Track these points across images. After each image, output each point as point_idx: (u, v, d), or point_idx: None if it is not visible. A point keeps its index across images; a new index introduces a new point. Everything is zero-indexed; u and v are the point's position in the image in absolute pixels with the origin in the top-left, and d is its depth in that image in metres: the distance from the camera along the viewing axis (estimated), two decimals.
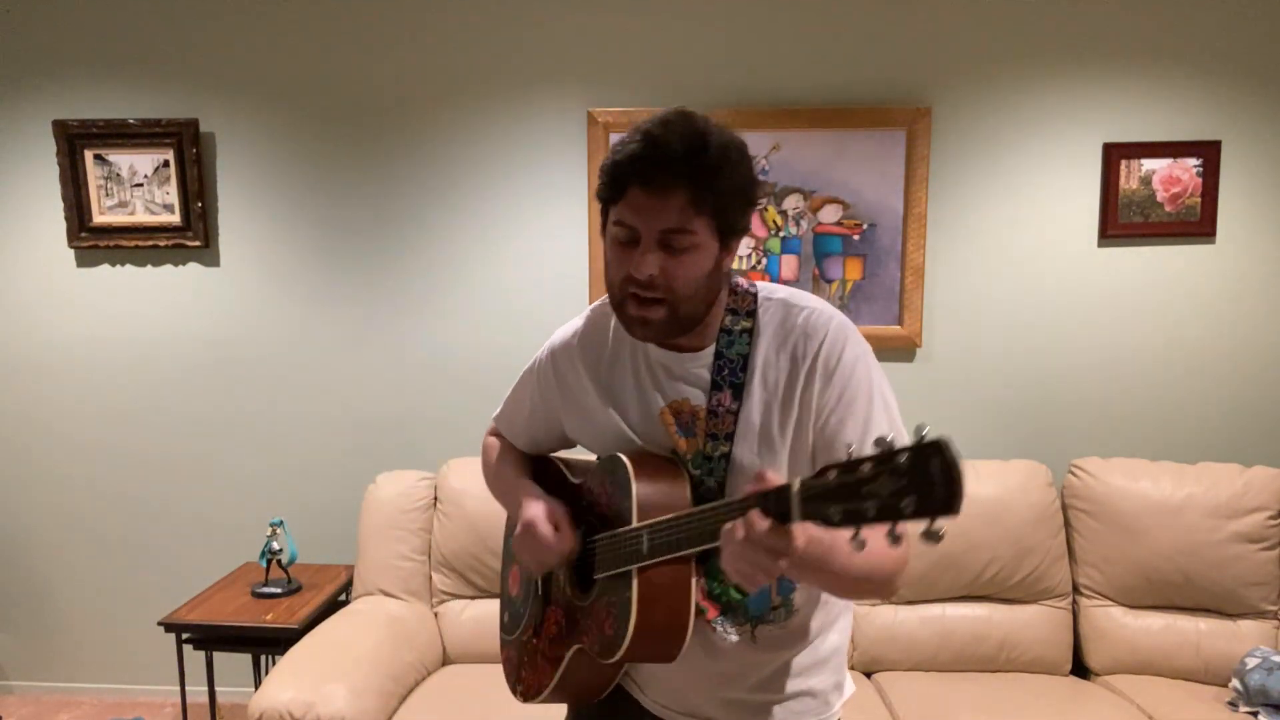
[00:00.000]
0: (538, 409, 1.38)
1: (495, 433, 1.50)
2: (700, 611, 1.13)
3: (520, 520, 1.25)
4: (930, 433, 0.77)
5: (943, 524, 0.75)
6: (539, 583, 1.37)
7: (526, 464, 1.43)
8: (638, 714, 1.30)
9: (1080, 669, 2.64)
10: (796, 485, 0.88)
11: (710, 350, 1.19)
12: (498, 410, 1.48)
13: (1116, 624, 2.60)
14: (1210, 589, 2.55)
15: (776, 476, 0.93)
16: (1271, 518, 2.56)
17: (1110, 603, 2.62)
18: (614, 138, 2.86)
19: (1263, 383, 2.87)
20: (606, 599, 1.16)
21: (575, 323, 1.34)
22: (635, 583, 1.11)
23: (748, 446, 1.16)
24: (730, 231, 1.12)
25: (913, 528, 0.78)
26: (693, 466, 1.17)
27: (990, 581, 2.60)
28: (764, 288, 1.25)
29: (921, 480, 0.76)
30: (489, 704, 2.22)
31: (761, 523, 0.89)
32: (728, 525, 0.93)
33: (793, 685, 1.24)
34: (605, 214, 1.15)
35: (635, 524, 1.12)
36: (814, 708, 1.27)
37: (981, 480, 2.65)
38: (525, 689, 1.37)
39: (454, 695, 2.41)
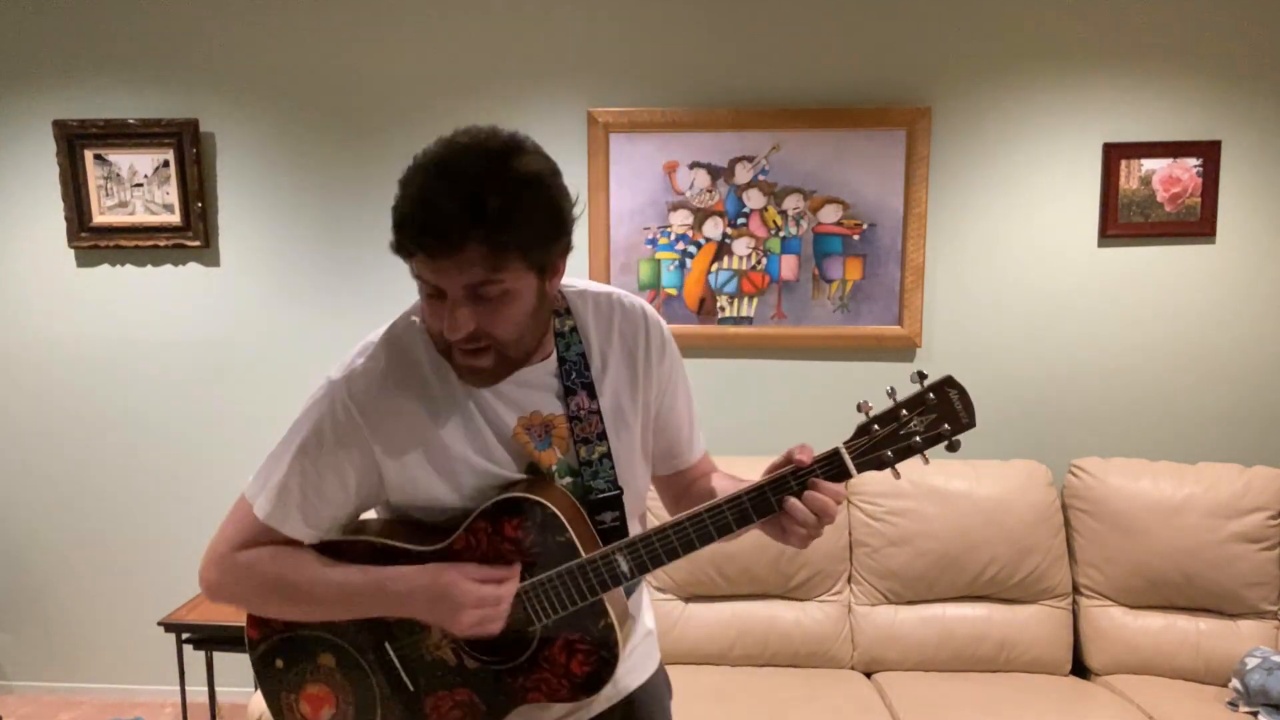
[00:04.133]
0: (342, 484, 1.13)
1: (247, 544, 1.17)
2: None
3: (458, 591, 1.08)
4: (932, 375, 1.06)
5: (962, 437, 1.06)
6: (391, 681, 1.20)
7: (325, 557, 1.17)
8: None
9: (1080, 669, 2.64)
10: (843, 449, 1.08)
11: (553, 358, 1.17)
12: (258, 503, 1.16)
13: (1116, 624, 2.60)
14: (1210, 589, 2.55)
15: (809, 451, 1.08)
16: (1271, 518, 2.56)
17: (1110, 603, 2.62)
18: (614, 138, 2.86)
19: (1263, 383, 2.87)
20: (564, 639, 1.14)
21: (362, 362, 1.14)
22: (610, 608, 1.13)
23: (619, 438, 1.19)
24: (546, 261, 1.05)
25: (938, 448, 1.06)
26: (561, 475, 1.15)
27: (990, 581, 2.61)
28: (562, 285, 1.19)
29: (947, 409, 1.05)
30: None
31: (834, 485, 1.07)
32: (797, 506, 1.06)
33: (641, 629, 1.33)
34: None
35: (590, 553, 1.10)
36: (652, 647, 1.37)
37: (981, 480, 2.66)
38: None
39: None
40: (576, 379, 1.16)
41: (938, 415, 1.06)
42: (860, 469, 1.08)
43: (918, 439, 1.06)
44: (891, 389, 1.08)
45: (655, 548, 1.10)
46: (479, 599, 1.08)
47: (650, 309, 1.25)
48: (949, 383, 1.06)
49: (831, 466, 1.08)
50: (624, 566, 1.10)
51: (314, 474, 1.14)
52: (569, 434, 1.16)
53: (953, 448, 1.07)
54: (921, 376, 1.07)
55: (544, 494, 1.11)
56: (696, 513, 1.09)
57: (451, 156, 1.01)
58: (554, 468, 1.16)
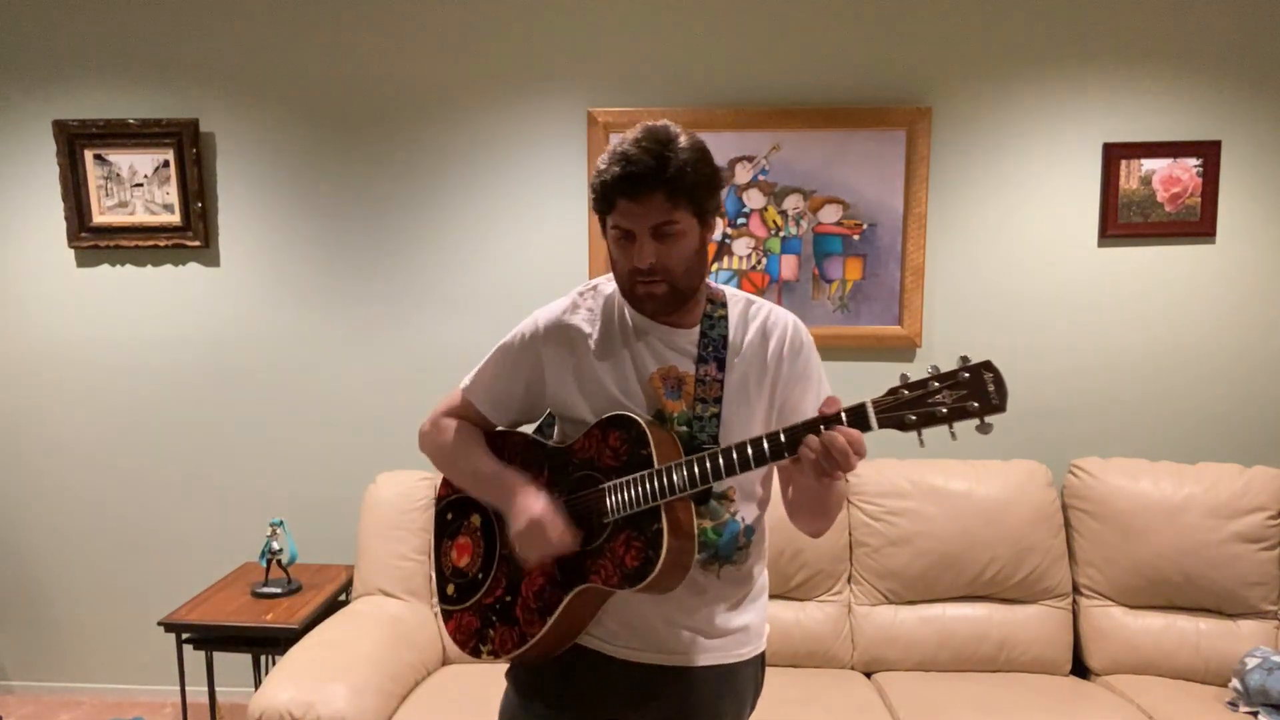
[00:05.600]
0: (518, 379, 1.49)
1: (452, 411, 1.55)
2: None
3: (524, 520, 1.37)
4: (975, 358, 1.13)
5: (992, 420, 1.10)
6: (506, 544, 1.47)
7: (489, 446, 1.53)
8: (599, 663, 1.44)
9: (1080, 669, 2.64)
10: (869, 403, 1.19)
11: (696, 329, 1.42)
12: (466, 383, 1.55)
13: (1116, 624, 2.60)
14: (1210, 589, 2.55)
15: (840, 401, 1.22)
16: (1271, 518, 2.56)
17: (1110, 603, 2.62)
18: (614, 138, 2.86)
19: (1263, 383, 2.87)
20: (626, 535, 1.33)
21: (561, 302, 1.49)
22: (664, 515, 1.29)
23: (733, 407, 1.39)
24: (705, 212, 1.34)
25: (968, 425, 1.13)
26: (678, 424, 1.38)
27: (990, 581, 2.61)
28: (729, 289, 1.49)
29: (979, 388, 1.12)
30: (489, 704, 2.21)
31: (853, 431, 1.17)
32: (813, 439, 1.18)
33: (738, 620, 1.46)
34: (603, 222, 1.37)
35: (659, 465, 1.30)
36: (752, 640, 1.48)
37: (981, 480, 2.66)
38: (496, 646, 1.46)
39: (454, 695, 2.41)
40: (711, 351, 1.40)
41: (968, 392, 1.12)
42: (882, 424, 1.18)
43: (943, 409, 1.13)
44: (934, 366, 1.15)
45: (705, 465, 1.27)
46: (546, 538, 1.34)
47: (797, 321, 1.46)
48: (987, 366, 1.12)
49: (854, 417, 1.19)
50: (678, 479, 1.28)
51: (502, 369, 1.50)
52: (694, 391, 1.38)
53: (983, 429, 1.11)
54: (964, 360, 1.13)
55: (646, 423, 1.34)
56: (741, 443, 1.26)
57: (641, 136, 1.29)
58: (676, 415, 1.39)
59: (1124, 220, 2.82)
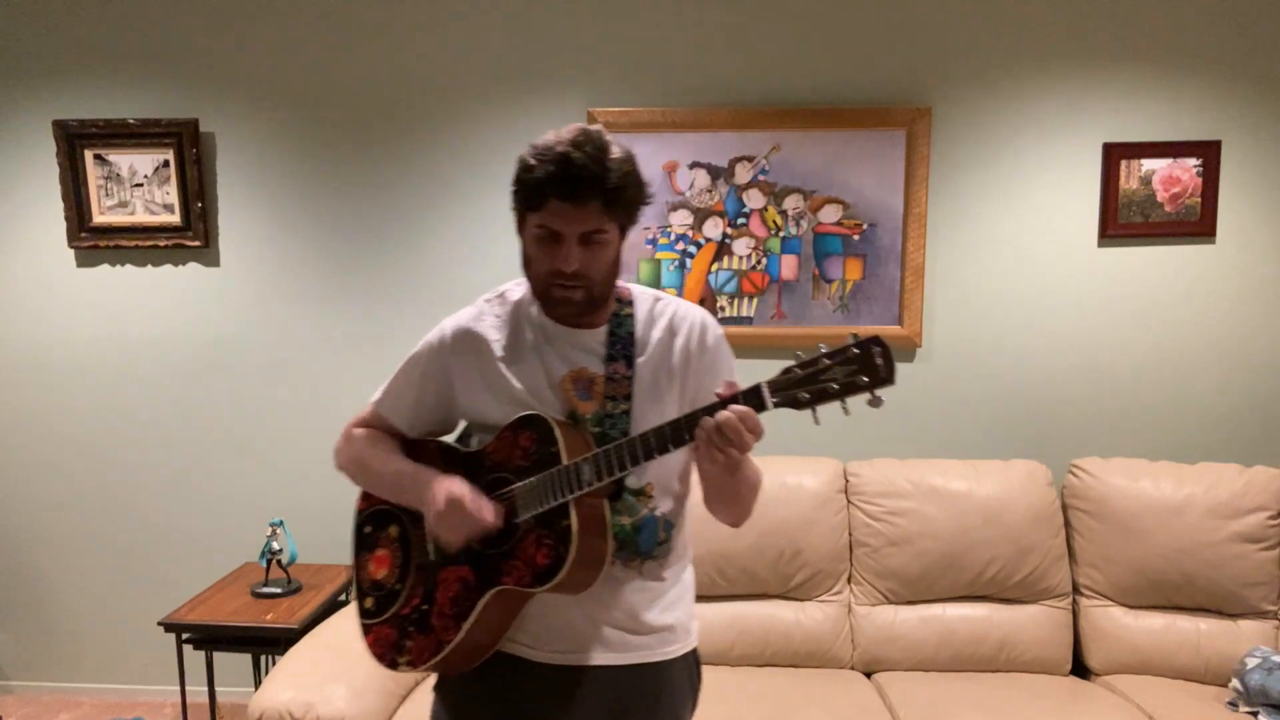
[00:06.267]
0: (428, 389, 1.49)
1: (363, 423, 1.56)
2: None
3: (442, 499, 1.36)
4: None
5: (883, 394, 1.13)
6: (422, 552, 1.48)
7: (403, 452, 1.53)
8: (523, 669, 1.42)
9: (1080, 669, 2.64)
10: (764, 384, 1.20)
11: (604, 329, 1.43)
12: (377, 396, 1.55)
13: (1116, 624, 2.60)
14: (1210, 589, 2.55)
15: (738, 385, 1.22)
16: (1271, 518, 2.56)
17: (1110, 603, 2.62)
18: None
19: (1263, 383, 2.87)
20: (536, 534, 1.33)
21: (468, 310, 1.50)
22: (574, 512, 1.30)
23: (643, 404, 1.40)
24: (629, 225, 1.37)
25: (861, 399, 1.15)
26: (592, 424, 1.38)
27: (990, 581, 2.61)
28: (634, 286, 1.50)
29: (869, 364, 1.13)
30: None
31: (744, 408, 1.19)
32: (710, 420, 1.20)
33: (664, 618, 1.46)
34: (522, 218, 1.36)
35: (567, 461, 1.31)
36: (680, 638, 1.48)
37: (981, 480, 2.66)
38: (414, 656, 1.44)
39: None
40: (619, 350, 1.41)
41: (858, 368, 1.14)
42: (777, 404, 1.19)
43: (835, 385, 1.15)
44: (821, 346, 1.19)
45: (610, 457, 1.28)
46: (468, 515, 1.33)
47: (706, 314, 1.48)
48: (875, 341, 1.14)
49: (749, 397, 1.21)
50: (586, 473, 1.29)
51: (411, 379, 1.50)
52: (604, 391, 1.39)
53: (874, 403, 1.13)
54: (854, 337, 1.16)
55: (556, 421, 1.35)
56: (644, 433, 1.27)
57: (580, 139, 1.28)
58: (588, 416, 1.39)
59: (1124, 220, 2.82)
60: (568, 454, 1.32)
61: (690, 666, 1.51)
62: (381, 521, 1.56)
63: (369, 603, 1.55)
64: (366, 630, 1.55)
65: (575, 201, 1.28)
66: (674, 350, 1.43)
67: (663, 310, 1.46)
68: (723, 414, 1.20)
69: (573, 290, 1.34)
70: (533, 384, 1.41)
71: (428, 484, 1.40)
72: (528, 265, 1.39)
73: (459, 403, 1.47)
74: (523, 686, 1.42)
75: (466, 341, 1.45)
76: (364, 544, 1.59)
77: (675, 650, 1.47)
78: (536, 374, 1.41)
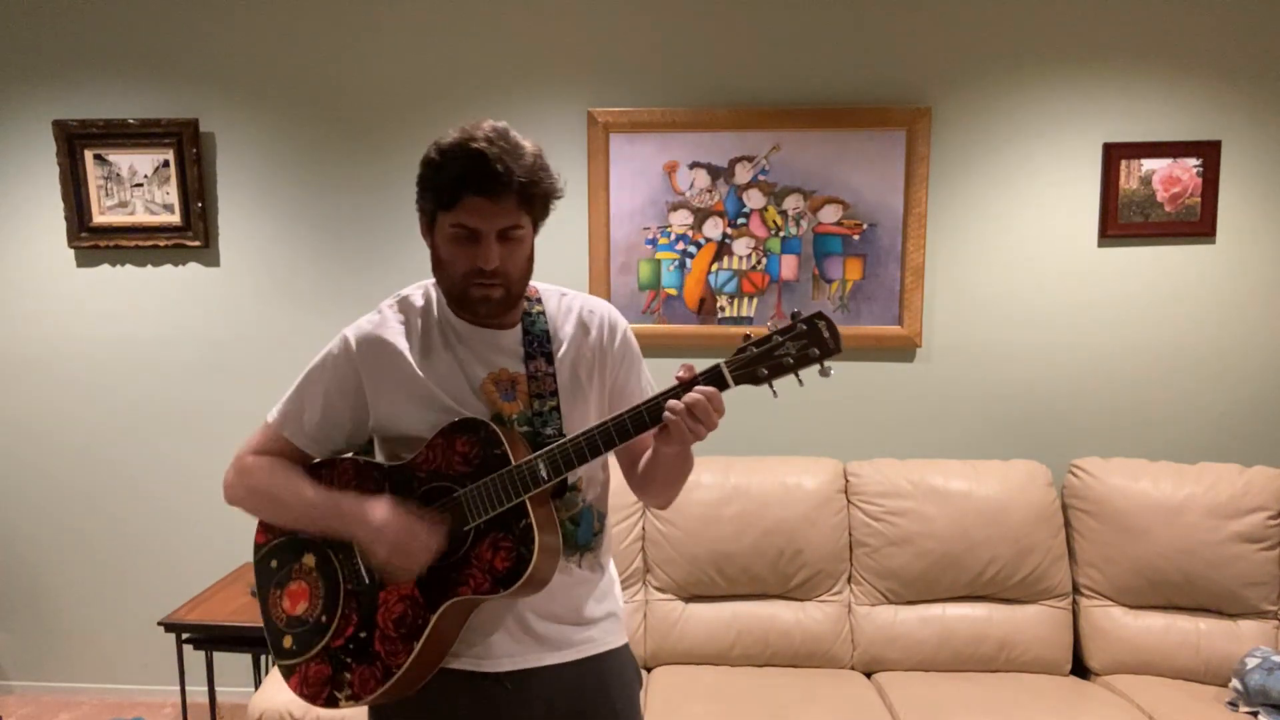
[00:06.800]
0: (334, 403, 1.40)
1: (259, 449, 1.47)
2: None
3: (387, 532, 1.29)
4: (808, 310, 1.23)
5: (831, 364, 1.21)
6: (354, 577, 1.39)
7: (311, 478, 1.42)
8: (466, 682, 1.37)
9: (1080, 669, 2.64)
10: (723, 363, 1.25)
11: (518, 328, 1.41)
12: (274, 415, 1.46)
13: (1116, 624, 2.60)
14: (1210, 589, 2.55)
15: (695, 368, 1.26)
16: (1271, 518, 2.56)
17: (1110, 603, 2.62)
18: (614, 138, 2.87)
19: (1263, 383, 2.87)
20: (492, 538, 1.30)
21: (370, 317, 1.43)
22: (531, 510, 1.28)
23: (570, 399, 1.40)
24: (542, 219, 1.38)
25: (813, 371, 1.22)
26: (519, 424, 1.37)
27: (990, 581, 2.61)
28: (539, 285, 1.49)
29: (817, 337, 1.21)
30: None
31: (710, 389, 1.24)
32: (675, 403, 1.23)
33: (603, 608, 1.46)
34: (432, 218, 1.35)
35: (518, 460, 1.29)
36: (617, 628, 1.49)
37: (981, 480, 2.66)
38: (356, 689, 1.36)
39: None
40: (537, 347, 1.40)
41: (808, 341, 1.21)
42: (737, 381, 1.24)
43: (789, 359, 1.22)
44: (769, 323, 1.26)
45: (568, 451, 1.28)
46: (416, 542, 1.29)
47: (611, 307, 1.49)
48: (819, 316, 1.21)
49: (711, 378, 1.25)
50: (542, 470, 1.28)
51: (316, 393, 1.42)
52: (528, 390, 1.38)
53: (824, 373, 1.21)
54: (797, 314, 1.23)
55: (495, 422, 1.33)
56: (603, 422, 1.27)
57: (490, 134, 1.28)
58: (514, 416, 1.37)
59: (1124, 220, 2.82)
60: (514, 454, 1.30)
61: (630, 655, 1.52)
62: (290, 553, 1.46)
63: (288, 642, 1.45)
64: (289, 672, 1.45)
65: (491, 196, 1.26)
66: (588, 344, 1.43)
67: (571, 305, 1.47)
68: (690, 395, 1.23)
69: (492, 288, 1.32)
70: (454, 389, 1.36)
71: (356, 514, 1.32)
72: (440, 267, 1.37)
73: (372, 415, 1.39)
74: (469, 701, 1.37)
75: (375, 349, 1.38)
76: (271, 580, 1.48)
77: (617, 640, 1.47)
78: (456, 378, 1.37)
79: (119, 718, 3.11)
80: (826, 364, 1.22)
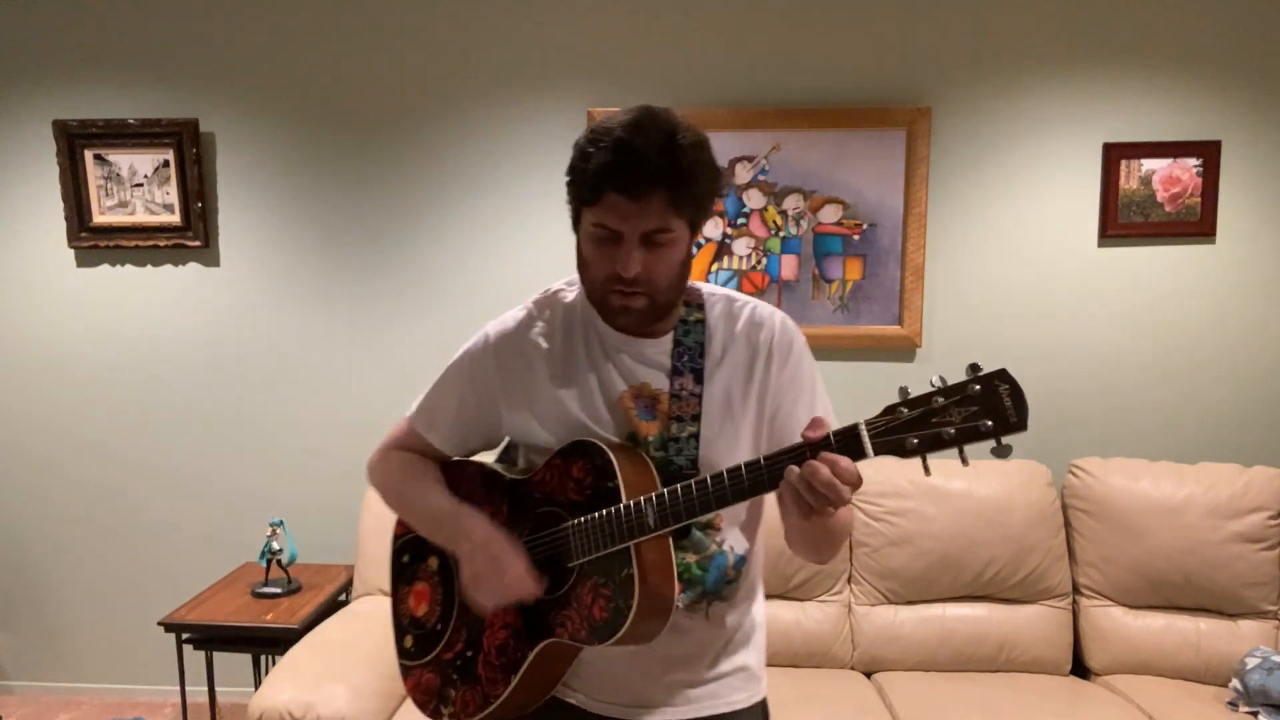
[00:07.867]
0: (469, 403, 1.31)
1: (399, 445, 1.39)
2: None
3: (478, 559, 1.21)
4: (988, 366, 0.95)
5: (1010, 440, 0.93)
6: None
7: (443, 482, 1.36)
8: (575, 718, 1.28)
9: (1080, 669, 2.64)
10: (863, 425, 1.00)
11: (669, 338, 1.24)
12: (412, 410, 1.37)
13: (1116, 624, 2.60)
14: (1210, 589, 2.55)
15: (830, 423, 1.03)
16: (1271, 518, 2.56)
17: (1110, 602, 2.62)
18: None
19: (1263, 383, 2.87)
20: (593, 582, 1.16)
21: (515, 313, 1.31)
22: (635, 558, 1.13)
23: (714, 425, 1.22)
24: (701, 221, 1.19)
25: (981, 447, 0.95)
26: (654, 449, 1.20)
27: (990, 581, 2.60)
28: (705, 286, 1.31)
29: (994, 404, 0.93)
30: None
31: (840, 458, 0.99)
32: (796, 471, 1.00)
33: (732, 662, 1.29)
34: (578, 214, 1.18)
35: (628, 500, 1.13)
36: (749, 683, 1.31)
37: (981, 480, 2.66)
38: (458, 709, 1.29)
39: None
40: (687, 362, 1.22)
41: (979, 409, 0.94)
42: (878, 450, 0.99)
43: (950, 430, 0.95)
44: (940, 377, 0.98)
45: (679, 504, 1.11)
46: (508, 582, 1.19)
47: (785, 324, 1.29)
48: (1001, 376, 0.94)
49: (845, 442, 1.00)
50: (650, 519, 1.11)
51: (451, 394, 1.33)
52: (668, 410, 1.21)
53: (1000, 452, 0.93)
54: (974, 369, 0.96)
55: (614, 448, 1.17)
56: (716, 477, 1.09)
57: (642, 120, 1.10)
58: (651, 438, 1.21)
59: (1124, 220, 2.82)
60: (627, 490, 1.14)
61: (759, 717, 1.33)
62: (420, 551, 1.39)
63: (409, 641, 1.38)
64: (406, 672, 1.38)
65: (635, 196, 1.09)
66: (752, 361, 1.24)
67: (738, 314, 1.27)
68: (812, 464, 0.99)
69: (633, 297, 1.16)
70: (588, 402, 1.23)
71: (462, 533, 1.24)
72: (583, 268, 1.20)
73: (505, 420, 1.30)
74: None
75: (513, 352, 1.27)
76: (401, 575, 1.42)
77: (743, 700, 1.30)
78: (592, 390, 1.23)
79: (119, 718, 3.11)
80: (1004, 440, 0.93)
